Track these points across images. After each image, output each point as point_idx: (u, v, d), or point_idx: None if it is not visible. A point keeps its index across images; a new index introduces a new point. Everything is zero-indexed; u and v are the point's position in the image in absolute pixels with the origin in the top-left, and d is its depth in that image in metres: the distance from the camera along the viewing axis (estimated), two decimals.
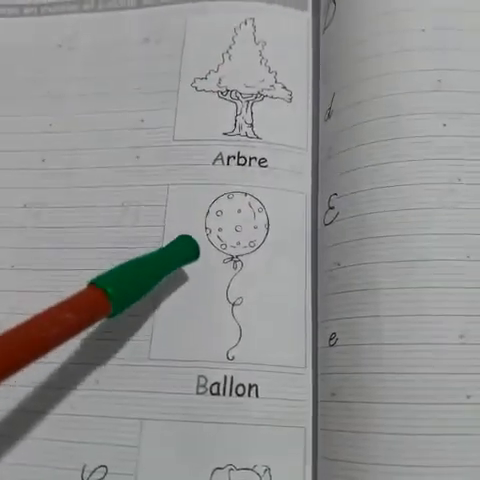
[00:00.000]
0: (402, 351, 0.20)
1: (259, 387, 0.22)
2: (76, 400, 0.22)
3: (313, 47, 0.28)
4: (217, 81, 0.27)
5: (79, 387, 0.22)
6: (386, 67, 0.23)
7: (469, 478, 0.18)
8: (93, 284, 0.19)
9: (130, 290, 0.19)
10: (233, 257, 0.23)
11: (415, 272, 0.20)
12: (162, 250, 0.22)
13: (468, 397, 0.19)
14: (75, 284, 0.20)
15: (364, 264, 0.21)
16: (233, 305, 0.23)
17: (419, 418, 0.19)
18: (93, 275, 0.19)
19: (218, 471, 0.20)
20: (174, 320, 0.23)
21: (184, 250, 0.22)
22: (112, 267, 0.20)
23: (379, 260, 0.21)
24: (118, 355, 0.22)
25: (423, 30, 0.23)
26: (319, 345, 0.22)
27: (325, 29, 0.27)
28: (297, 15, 0.28)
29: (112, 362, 0.22)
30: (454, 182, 0.21)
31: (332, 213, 0.23)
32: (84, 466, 0.21)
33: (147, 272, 0.20)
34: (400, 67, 0.23)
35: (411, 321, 0.20)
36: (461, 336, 0.19)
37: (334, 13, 0.26)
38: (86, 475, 0.21)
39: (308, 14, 0.28)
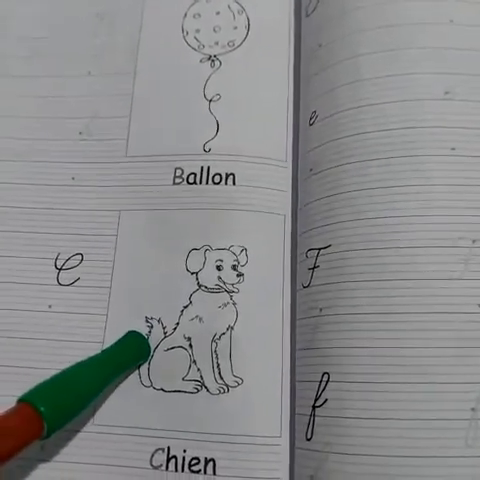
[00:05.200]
0: None
1: (236, 176, 0.21)
2: (53, 195, 0.22)
3: None
4: None
5: (55, 183, 0.22)
6: None
7: None
8: (24, 401, 0.15)
9: (67, 405, 0.16)
10: (211, 56, 0.23)
11: None
12: (107, 351, 0.18)
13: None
14: None
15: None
16: (210, 101, 0.22)
17: None
18: None
19: (194, 252, 0.20)
20: (151, 116, 0.22)
21: (132, 350, 0.19)
22: (44, 379, 0.16)
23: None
24: (95, 155, 0.22)
25: None
26: (300, 126, 0.21)
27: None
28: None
29: (89, 160, 0.22)
30: None
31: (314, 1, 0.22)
32: (58, 255, 0.21)
33: (86, 382, 0.16)
34: None
35: None
36: None
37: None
38: (60, 263, 0.21)
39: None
